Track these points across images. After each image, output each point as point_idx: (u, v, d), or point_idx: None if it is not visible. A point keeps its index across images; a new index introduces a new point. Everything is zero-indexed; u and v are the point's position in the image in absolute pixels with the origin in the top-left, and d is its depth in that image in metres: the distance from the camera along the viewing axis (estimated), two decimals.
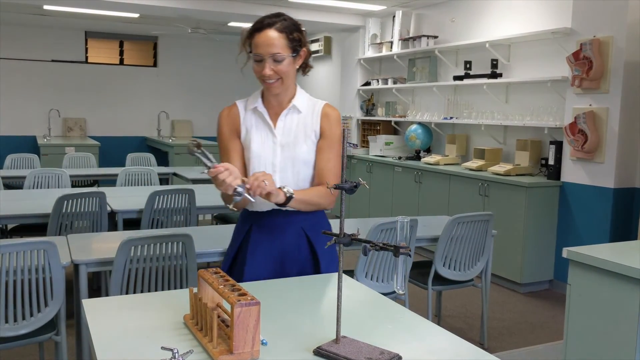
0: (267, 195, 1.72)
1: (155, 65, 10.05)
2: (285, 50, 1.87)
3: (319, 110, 2.00)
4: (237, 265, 2.05)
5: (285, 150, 1.96)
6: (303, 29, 1.95)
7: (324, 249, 1.99)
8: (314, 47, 8.88)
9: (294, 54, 1.91)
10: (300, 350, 1.32)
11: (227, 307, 1.34)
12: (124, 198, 4.39)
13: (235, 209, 1.79)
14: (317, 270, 2.00)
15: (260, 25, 1.88)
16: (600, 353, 2.33)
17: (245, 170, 2.02)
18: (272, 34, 1.86)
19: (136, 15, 7.42)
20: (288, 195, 1.79)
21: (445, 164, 5.77)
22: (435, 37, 6.31)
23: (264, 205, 1.97)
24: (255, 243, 2.01)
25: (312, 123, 1.98)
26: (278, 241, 1.99)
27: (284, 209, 1.91)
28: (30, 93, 9.20)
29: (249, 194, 1.68)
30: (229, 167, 1.68)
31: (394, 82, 6.94)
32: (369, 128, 7.53)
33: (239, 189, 1.66)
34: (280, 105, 2.00)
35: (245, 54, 1.93)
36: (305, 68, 2.03)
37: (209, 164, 1.66)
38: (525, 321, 4.13)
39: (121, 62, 9.82)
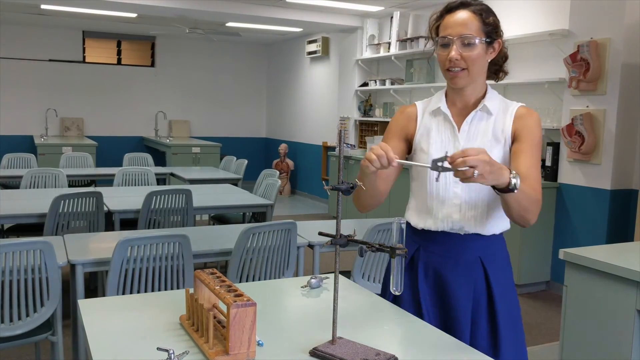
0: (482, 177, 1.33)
1: (152, 65, 10.05)
2: (477, 33, 1.61)
3: (513, 111, 1.69)
4: (404, 292, 1.70)
5: None
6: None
7: (502, 288, 1.67)
8: (312, 47, 8.88)
9: (487, 40, 1.63)
10: (296, 351, 1.31)
11: (223, 307, 1.34)
12: (121, 198, 4.38)
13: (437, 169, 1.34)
14: (492, 310, 1.66)
15: (453, 4, 1.66)
16: (596, 354, 2.33)
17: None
18: (465, 14, 1.63)
19: (134, 15, 7.42)
20: (514, 182, 1.42)
21: None
22: None
23: (439, 223, 1.68)
24: (424, 269, 1.72)
25: (503, 124, 1.67)
26: (450, 270, 1.68)
27: (462, 233, 1.65)
28: (28, 92, 9.18)
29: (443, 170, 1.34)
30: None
31: (392, 83, 6.94)
32: (366, 129, 7.54)
33: (439, 163, 1.33)
34: (465, 107, 1.71)
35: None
36: (498, 72, 1.76)
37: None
38: None
39: (119, 62, 9.81)
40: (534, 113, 1.68)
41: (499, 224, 1.69)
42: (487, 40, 1.63)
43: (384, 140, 1.75)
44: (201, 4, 6.49)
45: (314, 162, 9.14)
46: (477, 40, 1.60)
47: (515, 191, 1.42)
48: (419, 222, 1.73)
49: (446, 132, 1.70)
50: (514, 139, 1.65)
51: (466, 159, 1.29)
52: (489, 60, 1.68)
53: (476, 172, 1.30)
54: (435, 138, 1.70)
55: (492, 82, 1.81)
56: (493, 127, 1.67)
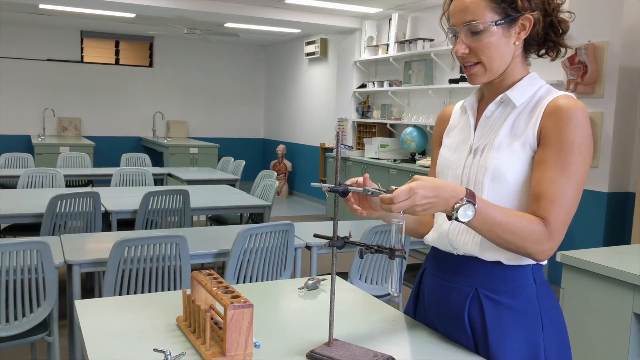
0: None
1: (151, 65, 10.04)
2: (483, 15, 1.29)
3: (546, 103, 1.32)
4: (419, 310, 1.57)
5: (476, 157, 1.38)
6: None
7: (497, 328, 1.35)
8: (310, 49, 8.88)
9: (501, 21, 1.30)
10: (293, 353, 1.31)
11: (220, 309, 1.33)
12: (118, 198, 4.38)
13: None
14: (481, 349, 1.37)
15: None
16: (593, 357, 2.33)
17: None
18: None
19: (132, 15, 7.41)
20: (458, 213, 1.18)
21: None
22: (431, 40, 6.32)
23: (438, 241, 1.47)
24: (423, 290, 1.54)
25: (528, 121, 1.33)
26: (443, 299, 1.44)
27: (459, 254, 1.40)
28: (25, 92, 9.17)
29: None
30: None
31: (390, 85, 6.95)
32: (364, 130, 7.54)
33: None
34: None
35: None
36: (554, 48, 1.39)
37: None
38: None
39: (117, 62, 9.81)
40: (571, 107, 1.29)
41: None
42: (501, 21, 1.30)
43: (432, 155, 1.60)
44: (199, 5, 6.48)
45: (312, 163, 9.14)
46: (481, 24, 1.30)
47: (465, 221, 1.19)
48: (428, 235, 1.54)
49: (467, 130, 1.44)
50: (541, 141, 1.31)
51: (391, 206, 1.16)
52: (520, 42, 1.35)
53: (402, 213, 1.19)
54: (455, 137, 1.48)
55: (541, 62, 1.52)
56: (513, 123, 1.35)
